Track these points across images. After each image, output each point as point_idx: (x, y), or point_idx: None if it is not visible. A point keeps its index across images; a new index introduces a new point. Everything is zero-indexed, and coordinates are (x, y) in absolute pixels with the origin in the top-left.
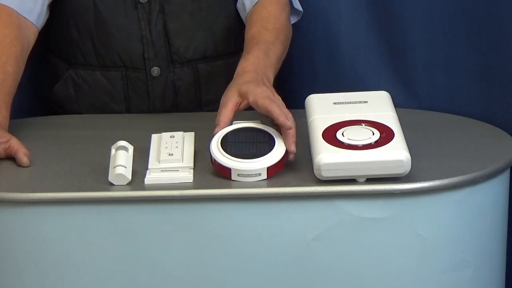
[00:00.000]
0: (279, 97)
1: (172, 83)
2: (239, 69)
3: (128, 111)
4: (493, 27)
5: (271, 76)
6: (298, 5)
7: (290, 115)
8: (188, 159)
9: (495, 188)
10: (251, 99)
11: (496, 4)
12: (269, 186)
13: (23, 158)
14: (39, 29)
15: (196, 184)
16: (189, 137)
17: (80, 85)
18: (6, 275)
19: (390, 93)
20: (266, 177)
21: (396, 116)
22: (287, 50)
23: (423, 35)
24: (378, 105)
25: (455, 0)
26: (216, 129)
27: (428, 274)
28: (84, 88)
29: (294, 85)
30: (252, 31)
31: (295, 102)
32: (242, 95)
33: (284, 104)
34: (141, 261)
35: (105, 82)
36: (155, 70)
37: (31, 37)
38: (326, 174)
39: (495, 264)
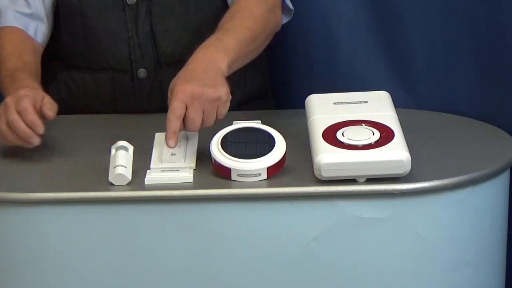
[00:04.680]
0: (204, 92)
1: (159, 85)
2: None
3: (116, 113)
4: (493, 26)
5: (221, 64)
6: (289, 3)
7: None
8: (190, 159)
9: (495, 188)
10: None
11: (496, 4)
12: (269, 186)
13: (48, 111)
14: (43, 45)
15: (196, 184)
16: (193, 136)
17: (70, 87)
18: (6, 275)
19: (390, 93)
20: (266, 177)
21: (396, 116)
22: (261, 40)
23: (423, 35)
24: (378, 105)
25: (455, 0)
26: (171, 142)
27: (428, 274)
28: (73, 90)
29: (293, 85)
30: (220, 23)
31: (295, 102)
32: (170, 91)
33: (202, 98)
34: (141, 261)
35: (93, 84)
36: (142, 72)
37: (38, 48)
38: (326, 174)
39: (495, 264)
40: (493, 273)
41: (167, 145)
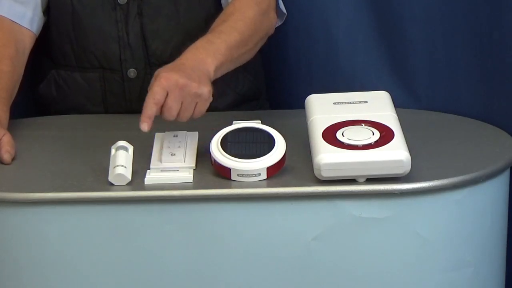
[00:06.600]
0: (188, 84)
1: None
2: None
3: (106, 112)
4: (493, 27)
5: (209, 68)
6: (282, 7)
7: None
8: (190, 159)
9: (495, 188)
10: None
11: (496, 4)
12: (269, 186)
13: (4, 155)
14: (36, 33)
15: (196, 184)
16: (193, 136)
17: (60, 86)
18: (6, 275)
19: (390, 93)
20: (266, 177)
21: (396, 116)
22: (253, 43)
23: (423, 35)
24: (378, 105)
25: (455, 0)
26: (144, 126)
27: (428, 274)
28: (63, 89)
29: (292, 86)
30: (212, 26)
31: (294, 102)
32: (155, 77)
33: (183, 89)
34: (141, 261)
35: (83, 83)
36: (132, 72)
37: (27, 41)
38: (326, 174)
39: (495, 264)
40: (493, 273)
41: (140, 128)
